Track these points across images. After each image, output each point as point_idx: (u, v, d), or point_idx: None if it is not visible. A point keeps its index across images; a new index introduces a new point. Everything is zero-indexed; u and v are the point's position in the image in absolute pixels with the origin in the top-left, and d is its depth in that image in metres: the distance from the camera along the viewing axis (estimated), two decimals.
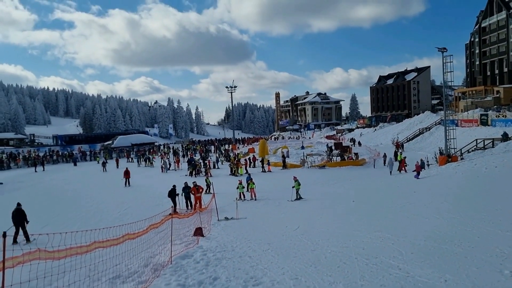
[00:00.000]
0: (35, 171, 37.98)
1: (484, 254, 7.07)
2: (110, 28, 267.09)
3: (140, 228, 7.81)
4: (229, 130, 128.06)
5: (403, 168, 26.46)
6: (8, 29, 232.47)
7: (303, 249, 8.96)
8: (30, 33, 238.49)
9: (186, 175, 29.65)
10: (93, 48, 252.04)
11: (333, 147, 40.08)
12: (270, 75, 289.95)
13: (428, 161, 27.06)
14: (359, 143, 53.52)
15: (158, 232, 10.05)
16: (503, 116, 39.29)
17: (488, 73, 64.15)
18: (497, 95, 54.67)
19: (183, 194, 17.63)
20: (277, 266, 7.70)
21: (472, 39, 68.56)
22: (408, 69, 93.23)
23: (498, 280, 5.88)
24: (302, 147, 49.83)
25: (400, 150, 37.18)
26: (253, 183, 19.95)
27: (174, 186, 17.62)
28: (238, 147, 60.73)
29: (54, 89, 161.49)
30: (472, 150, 29.29)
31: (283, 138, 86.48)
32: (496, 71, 62.22)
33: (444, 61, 27.76)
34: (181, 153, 51.41)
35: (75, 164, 44.36)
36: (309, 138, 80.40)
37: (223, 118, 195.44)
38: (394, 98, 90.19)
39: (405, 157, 27.65)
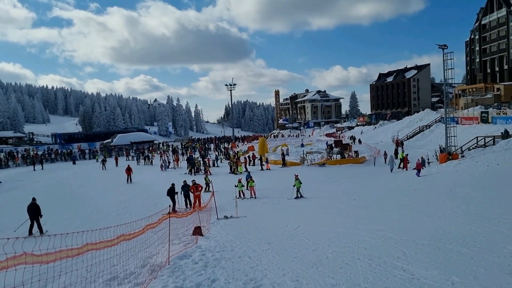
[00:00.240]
0: (34, 170, 37.74)
1: (491, 254, 6.85)
2: (109, 26, 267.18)
3: (137, 228, 7.62)
4: (228, 128, 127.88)
5: (405, 166, 26.29)
6: (7, 27, 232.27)
7: (304, 249, 8.76)
8: (29, 31, 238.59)
9: (185, 173, 29.49)
10: (92, 46, 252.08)
11: (333, 145, 39.87)
12: (270, 73, 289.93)
13: (428, 159, 26.86)
14: (359, 141, 53.32)
15: (156, 231, 9.85)
16: (503, 114, 39.07)
17: (488, 71, 63.93)
18: (498, 93, 54.49)
19: (182, 192, 17.44)
20: (278, 267, 7.50)
21: (472, 37, 68.31)
22: (407, 67, 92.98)
23: (508, 282, 5.67)
24: (302, 145, 49.60)
25: (402, 149, 36.98)
26: (253, 181, 19.77)
27: (173, 184, 17.41)
28: (237, 145, 60.52)
29: (53, 87, 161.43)
30: (473, 148, 29.13)
31: (282, 136, 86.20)
32: (496, 69, 62.01)
33: (444, 58, 27.55)
34: (180, 151, 51.20)
35: (74, 163, 44.13)
36: (309, 136, 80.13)
37: (222, 116, 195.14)
38: (394, 95, 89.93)
39: (407, 155, 27.44)
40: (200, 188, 17.44)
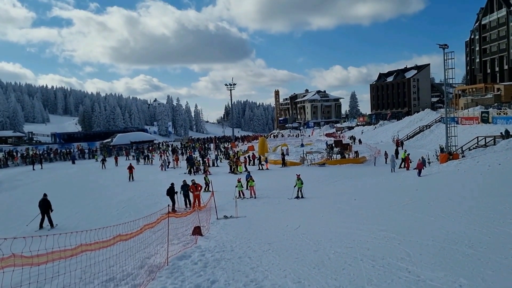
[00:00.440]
0: (33, 169, 37.54)
1: (499, 256, 6.67)
2: (109, 25, 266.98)
3: (135, 228, 7.44)
4: (228, 128, 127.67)
5: (407, 166, 26.17)
6: (6, 26, 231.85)
7: (305, 250, 8.58)
8: (28, 31, 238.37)
9: (185, 173, 29.34)
10: (92, 45, 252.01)
11: (333, 145, 39.72)
12: (270, 73, 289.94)
13: (429, 159, 26.74)
14: (360, 141, 53.19)
15: (155, 231, 9.70)
16: (504, 114, 38.95)
17: (488, 71, 63.80)
18: (498, 93, 54.35)
19: (182, 192, 17.30)
20: (279, 268, 7.32)
21: (472, 37, 68.19)
22: (407, 67, 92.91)
23: None
24: (302, 145, 49.49)
25: (403, 148, 36.85)
26: (253, 181, 19.61)
27: (172, 184, 17.27)
28: (237, 145, 60.36)
29: (52, 87, 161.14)
30: (473, 148, 29.01)
31: (282, 136, 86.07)
32: (496, 69, 61.89)
33: (445, 58, 27.42)
34: (180, 151, 51.03)
35: (73, 162, 43.95)
36: (309, 136, 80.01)
37: (222, 116, 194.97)
38: (394, 95, 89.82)
39: (408, 154, 27.31)
40: (199, 188, 17.29)
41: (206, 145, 64.00)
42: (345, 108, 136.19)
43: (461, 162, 22.95)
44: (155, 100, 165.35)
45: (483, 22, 63.57)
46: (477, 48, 65.57)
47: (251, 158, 35.99)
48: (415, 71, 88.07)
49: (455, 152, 26.65)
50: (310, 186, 19.84)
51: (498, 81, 59.61)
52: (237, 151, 44.56)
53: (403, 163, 27.05)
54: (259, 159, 33.53)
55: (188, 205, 17.14)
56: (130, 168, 28.25)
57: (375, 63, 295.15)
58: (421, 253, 7.28)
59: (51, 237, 4.84)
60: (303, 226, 11.52)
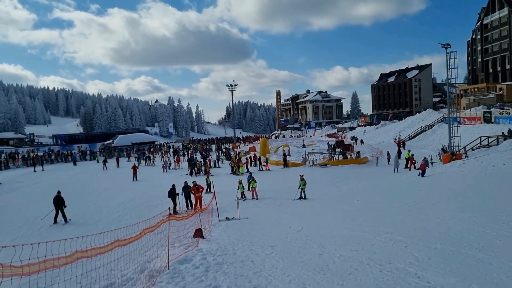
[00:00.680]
0: (34, 171, 37.41)
1: None
2: (110, 27, 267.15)
3: (135, 232, 7.24)
4: (229, 128, 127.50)
5: (410, 166, 25.93)
6: (8, 28, 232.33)
7: (309, 253, 8.36)
8: (30, 33, 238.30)
9: (186, 174, 29.16)
10: (93, 47, 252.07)
11: (335, 145, 39.48)
12: (271, 74, 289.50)
13: (432, 159, 26.48)
14: (361, 141, 52.94)
15: (156, 234, 9.49)
16: (506, 113, 38.64)
17: (490, 70, 63.42)
18: (500, 92, 54.00)
19: (183, 193, 17.10)
20: (282, 273, 7.10)
21: (474, 36, 67.84)
22: (409, 67, 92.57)
23: None
24: (303, 146, 49.28)
25: (407, 149, 36.58)
26: (255, 182, 19.39)
27: (173, 185, 17.09)
28: (239, 146, 60.15)
29: (54, 88, 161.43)
30: (476, 148, 28.73)
31: (284, 136, 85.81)
32: (499, 68, 61.51)
33: (448, 57, 27.19)
34: (181, 152, 50.86)
35: (74, 164, 43.85)
36: (310, 136, 79.73)
37: (223, 117, 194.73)
38: (396, 96, 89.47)
39: (412, 154, 27.07)
40: (201, 189, 17.09)
41: (207, 146, 63.79)
42: (346, 108, 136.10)
43: (465, 162, 22.69)
44: (156, 101, 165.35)
45: (484, 22, 63.23)
46: (479, 48, 65.21)
47: (252, 159, 35.78)
48: (417, 71, 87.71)
49: (458, 152, 26.39)
50: (312, 187, 19.63)
51: (500, 81, 59.25)
52: (239, 152, 44.35)
53: (407, 163, 26.81)
54: (259, 159, 33.33)
55: (189, 207, 16.94)
56: (134, 168, 28.99)
57: (376, 63, 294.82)
58: (430, 257, 7.04)
59: (43, 244, 4.64)
60: (306, 228, 11.30)
